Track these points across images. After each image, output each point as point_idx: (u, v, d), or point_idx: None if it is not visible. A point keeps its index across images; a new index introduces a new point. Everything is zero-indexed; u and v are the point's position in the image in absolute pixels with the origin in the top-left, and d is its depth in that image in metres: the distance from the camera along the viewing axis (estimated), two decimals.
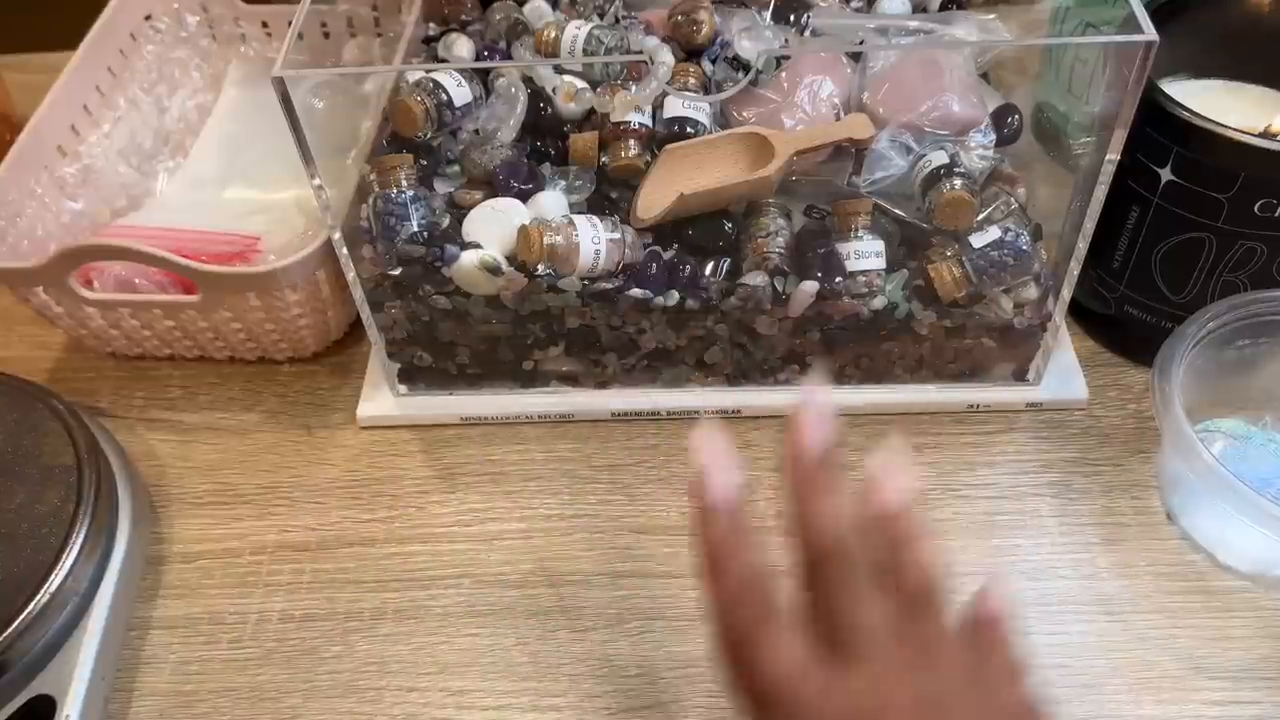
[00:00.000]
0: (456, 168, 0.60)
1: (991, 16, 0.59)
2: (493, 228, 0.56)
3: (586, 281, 0.55)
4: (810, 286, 0.55)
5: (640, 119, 0.56)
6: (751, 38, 0.58)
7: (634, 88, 0.57)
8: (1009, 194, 0.56)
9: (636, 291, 0.56)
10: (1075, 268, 0.55)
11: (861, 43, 0.59)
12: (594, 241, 0.54)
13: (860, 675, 0.32)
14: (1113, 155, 0.50)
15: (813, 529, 0.33)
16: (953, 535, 0.56)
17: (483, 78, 0.59)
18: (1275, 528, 0.48)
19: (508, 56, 0.61)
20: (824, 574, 0.33)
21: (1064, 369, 0.62)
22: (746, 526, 0.33)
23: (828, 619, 0.33)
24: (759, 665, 0.32)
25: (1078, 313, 0.64)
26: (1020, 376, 0.61)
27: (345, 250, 0.55)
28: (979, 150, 0.55)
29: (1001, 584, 0.37)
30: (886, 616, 0.33)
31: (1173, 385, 0.52)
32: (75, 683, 0.50)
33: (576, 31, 0.59)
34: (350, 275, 0.56)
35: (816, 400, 0.35)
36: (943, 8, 0.63)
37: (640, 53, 0.58)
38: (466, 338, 0.59)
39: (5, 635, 0.48)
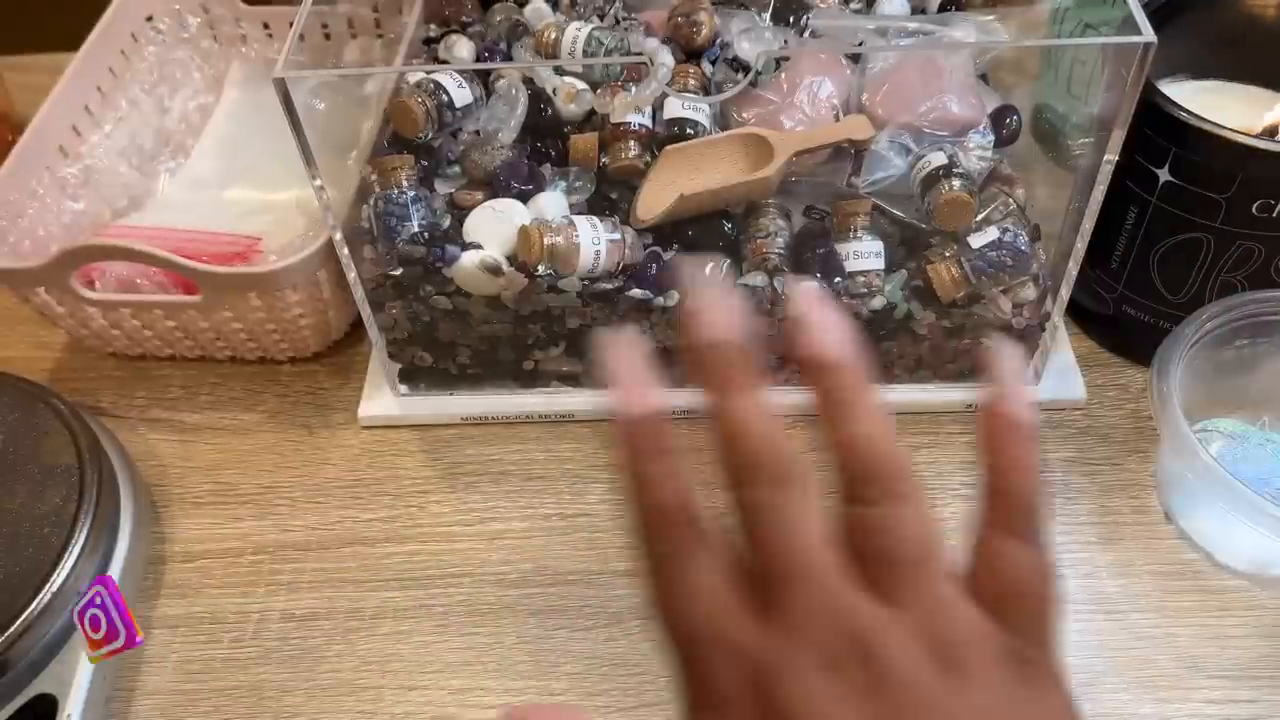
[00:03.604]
0: (457, 168, 0.60)
1: (991, 17, 0.59)
2: (493, 228, 0.56)
3: (587, 282, 0.56)
4: (810, 287, 0.55)
5: (640, 120, 0.56)
6: (751, 39, 0.58)
7: (634, 89, 0.57)
8: (1008, 194, 0.56)
9: (636, 292, 0.56)
10: (1074, 268, 0.55)
11: (861, 44, 0.59)
12: (594, 242, 0.54)
13: (776, 620, 0.26)
14: (1111, 156, 0.50)
15: (729, 432, 0.28)
16: (951, 535, 0.56)
17: (483, 79, 0.59)
18: (1273, 527, 0.48)
19: (508, 57, 0.62)
20: (747, 488, 0.27)
21: (1062, 369, 0.62)
22: (671, 445, 0.29)
23: (756, 547, 0.27)
24: (674, 601, 0.27)
25: (1076, 313, 0.64)
26: None
27: (346, 250, 0.55)
28: (978, 151, 0.55)
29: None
30: (816, 539, 0.27)
31: (1171, 385, 0.52)
32: (77, 682, 0.50)
33: (576, 33, 0.59)
34: (351, 275, 0.56)
35: (707, 293, 0.29)
36: (942, 9, 0.63)
37: (640, 54, 0.58)
38: (467, 338, 0.59)
39: (7, 634, 0.48)
